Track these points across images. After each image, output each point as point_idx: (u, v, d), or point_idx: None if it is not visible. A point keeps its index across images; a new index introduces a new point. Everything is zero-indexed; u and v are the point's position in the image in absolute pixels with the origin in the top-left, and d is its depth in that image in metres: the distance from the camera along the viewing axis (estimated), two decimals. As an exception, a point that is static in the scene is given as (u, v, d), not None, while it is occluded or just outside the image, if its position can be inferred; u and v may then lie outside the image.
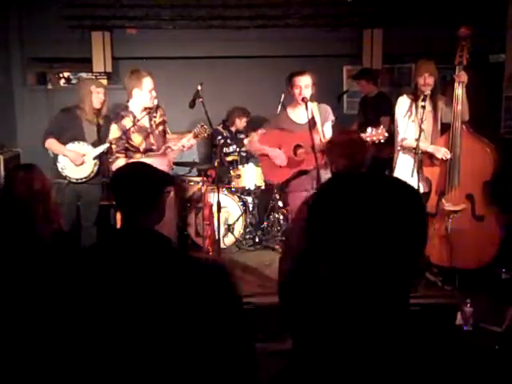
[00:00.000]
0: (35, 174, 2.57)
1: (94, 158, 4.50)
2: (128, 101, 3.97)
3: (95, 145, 4.51)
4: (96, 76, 6.48)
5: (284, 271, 2.21)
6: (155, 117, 4.00)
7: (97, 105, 4.51)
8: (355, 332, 0.91)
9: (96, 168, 4.53)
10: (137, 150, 3.93)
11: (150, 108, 3.93)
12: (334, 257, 0.92)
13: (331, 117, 4.09)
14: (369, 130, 3.74)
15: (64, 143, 4.48)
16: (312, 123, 3.89)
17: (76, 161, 4.44)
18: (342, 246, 0.91)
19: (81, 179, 4.49)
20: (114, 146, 3.91)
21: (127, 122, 3.91)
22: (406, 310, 0.94)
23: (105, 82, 6.48)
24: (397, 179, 0.99)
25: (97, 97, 4.49)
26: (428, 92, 4.12)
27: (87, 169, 4.51)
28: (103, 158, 4.55)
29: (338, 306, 0.93)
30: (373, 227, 0.89)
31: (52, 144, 4.49)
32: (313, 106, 4.00)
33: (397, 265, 0.91)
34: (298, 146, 4.02)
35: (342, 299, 0.93)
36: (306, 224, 0.97)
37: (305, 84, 3.92)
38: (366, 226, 0.89)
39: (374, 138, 3.73)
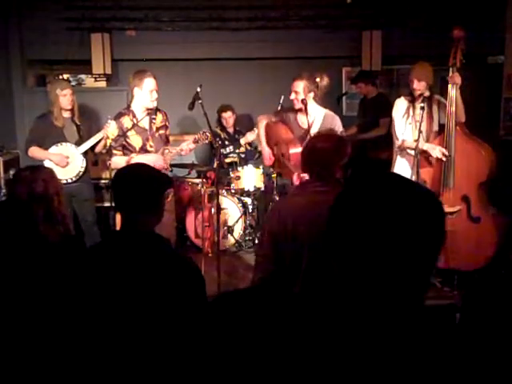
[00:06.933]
0: (39, 176, 2.54)
1: (86, 152, 4.54)
2: (131, 100, 3.99)
3: (78, 144, 4.53)
4: (95, 78, 6.50)
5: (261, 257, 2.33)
6: (154, 119, 3.99)
7: (66, 106, 4.52)
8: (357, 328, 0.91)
9: (84, 166, 4.55)
10: (134, 150, 3.93)
11: (150, 109, 3.93)
12: (349, 257, 0.93)
13: (338, 127, 3.79)
14: None
15: (47, 149, 4.50)
16: (307, 130, 3.74)
17: (61, 163, 4.46)
18: (358, 247, 0.92)
19: (71, 179, 4.50)
20: (111, 142, 3.90)
21: (126, 121, 3.91)
22: (417, 311, 0.95)
23: (104, 83, 6.50)
24: (420, 185, 1.00)
25: (64, 99, 4.49)
26: (427, 93, 4.12)
27: (75, 169, 4.53)
28: (87, 156, 4.60)
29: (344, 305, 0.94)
30: (391, 231, 0.90)
31: (35, 151, 4.51)
32: (317, 112, 3.97)
33: (412, 269, 0.92)
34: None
35: (350, 299, 0.94)
36: (326, 223, 0.97)
37: (295, 89, 3.90)
38: (385, 230, 0.90)
39: None
